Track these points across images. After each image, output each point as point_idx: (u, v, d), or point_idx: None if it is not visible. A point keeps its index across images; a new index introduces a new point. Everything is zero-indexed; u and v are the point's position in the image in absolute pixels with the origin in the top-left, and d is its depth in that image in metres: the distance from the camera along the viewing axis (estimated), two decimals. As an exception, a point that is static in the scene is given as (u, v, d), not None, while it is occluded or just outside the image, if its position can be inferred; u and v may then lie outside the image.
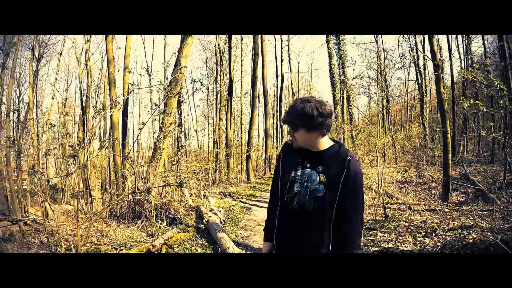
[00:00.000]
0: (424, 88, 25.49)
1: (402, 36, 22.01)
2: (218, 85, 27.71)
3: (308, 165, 2.31)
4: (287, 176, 2.36)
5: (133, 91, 8.50)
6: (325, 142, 2.30)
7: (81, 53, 25.04)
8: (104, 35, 15.15)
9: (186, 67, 10.07)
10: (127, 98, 14.49)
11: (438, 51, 23.61)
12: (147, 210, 7.97)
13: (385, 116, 27.91)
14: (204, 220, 8.39)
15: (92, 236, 6.99)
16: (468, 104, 6.88)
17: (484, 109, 8.09)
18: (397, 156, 21.60)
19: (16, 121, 19.98)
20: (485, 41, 20.94)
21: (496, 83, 4.46)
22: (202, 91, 32.76)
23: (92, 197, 12.68)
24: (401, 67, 26.25)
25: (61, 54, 26.05)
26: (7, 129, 16.23)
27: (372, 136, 16.45)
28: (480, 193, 10.67)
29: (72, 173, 6.33)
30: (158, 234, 7.38)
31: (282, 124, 2.82)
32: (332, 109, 2.33)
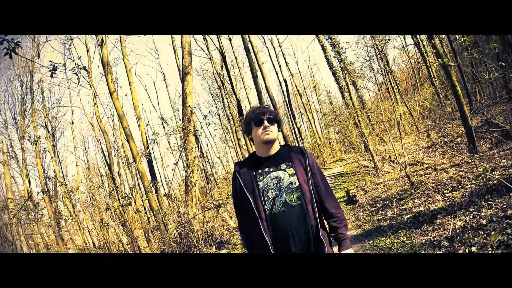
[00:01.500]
0: (423, 48, 25.53)
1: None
2: (227, 108, 28.35)
3: (271, 169, 2.45)
4: (255, 191, 2.41)
5: (155, 140, 9.10)
6: (277, 145, 2.54)
7: (92, 117, 25.98)
8: (110, 95, 15.79)
9: (194, 107, 10.67)
10: (148, 146, 15.15)
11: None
12: (195, 241, 8.50)
13: (394, 88, 28.06)
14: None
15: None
16: (438, 64, 7.19)
17: (452, 64, 8.35)
18: (416, 123, 21.68)
19: (48, 196, 20.84)
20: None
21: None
22: (215, 123, 33.35)
23: (140, 248, 13.23)
24: (387, 40, 26.39)
25: (72, 123, 27.06)
26: (47, 207, 16.96)
27: (380, 114, 16.64)
28: (506, 133, 10.77)
29: (126, 220, 6.90)
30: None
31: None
32: (254, 108, 2.62)
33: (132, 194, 7.13)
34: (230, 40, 25.75)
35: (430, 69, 24.89)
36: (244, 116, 2.67)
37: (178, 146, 9.36)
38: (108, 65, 14.93)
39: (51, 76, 4.62)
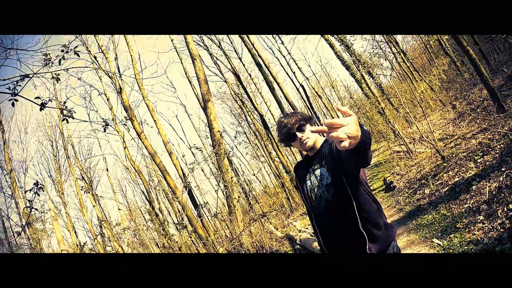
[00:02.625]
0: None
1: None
2: (252, 125, 28.74)
3: (315, 167, 2.48)
4: (306, 190, 2.53)
5: (192, 170, 9.51)
6: (319, 142, 2.53)
7: (125, 160, 26.71)
8: (138, 136, 16.31)
9: (222, 131, 11.08)
10: (185, 177, 15.61)
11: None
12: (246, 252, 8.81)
13: (410, 67, 27.90)
14: (297, 241, 9.12)
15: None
16: (434, 40, 7.30)
17: (446, 37, 8.32)
18: (440, 97, 21.49)
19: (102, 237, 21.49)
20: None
21: None
22: (244, 141, 33.75)
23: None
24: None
25: (107, 169, 27.92)
26: (100, 251, 17.53)
27: (398, 104, 16.60)
28: None
29: (181, 247, 7.26)
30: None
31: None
32: (278, 126, 2.57)
33: (182, 220, 7.51)
34: (240, 58, 26.15)
35: (440, 39, 24.68)
36: (276, 131, 2.64)
37: (212, 171, 9.76)
38: (130, 109, 15.51)
39: (104, 130, 5.06)
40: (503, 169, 5.86)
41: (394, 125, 14.21)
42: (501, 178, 5.60)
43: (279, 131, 2.54)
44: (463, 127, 13.03)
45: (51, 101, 4.58)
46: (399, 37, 29.93)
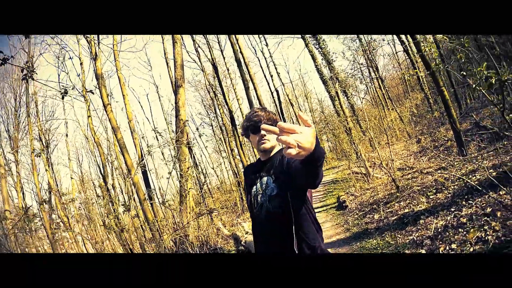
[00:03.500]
0: (412, 55, 25.90)
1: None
2: (220, 119, 28.59)
3: (263, 173, 2.43)
4: (251, 194, 2.47)
5: (150, 152, 9.33)
6: (275, 149, 2.49)
7: (86, 129, 26.03)
8: (104, 108, 15.91)
9: (187, 120, 10.93)
10: (143, 158, 15.32)
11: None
12: (190, 248, 8.71)
13: (385, 95, 28.42)
14: (242, 242, 9.10)
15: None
16: (409, 75, 7.52)
17: (423, 74, 8.60)
18: (407, 129, 21.96)
19: (49, 206, 20.86)
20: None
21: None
22: (205, 134, 33.49)
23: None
24: (376, 48, 26.80)
25: (67, 135, 27.15)
26: (45, 219, 17.03)
27: (370, 120, 16.90)
28: (496, 135, 10.99)
29: (124, 228, 7.09)
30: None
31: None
32: (250, 113, 2.53)
33: (129, 203, 7.34)
34: (221, 51, 25.95)
35: (420, 75, 25.19)
36: (245, 118, 2.61)
37: (172, 157, 9.61)
38: (102, 78, 15.10)
39: (62, 98, 4.85)
40: (452, 209, 6.00)
41: (358, 147, 14.42)
42: (449, 218, 5.73)
43: (248, 118, 2.50)
44: (423, 161, 13.35)
45: (13, 57, 4.38)
46: (380, 63, 30.42)
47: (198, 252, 8.65)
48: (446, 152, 13.80)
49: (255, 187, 2.47)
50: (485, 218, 5.13)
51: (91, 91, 6.01)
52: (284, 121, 30.96)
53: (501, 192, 5.74)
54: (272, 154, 2.49)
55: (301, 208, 2.22)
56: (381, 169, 13.64)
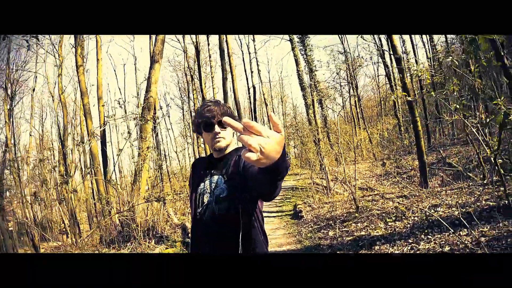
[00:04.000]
0: (393, 81, 26.20)
1: (361, 37, 22.86)
2: (192, 104, 28.09)
3: (214, 171, 2.21)
4: (197, 191, 2.24)
5: (108, 122, 8.87)
6: (230, 147, 2.25)
7: (54, 87, 25.03)
8: (75, 67, 15.30)
9: (154, 97, 10.48)
10: (104, 128, 14.76)
11: (402, 44, 24.58)
12: (134, 231, 8.31)
13: (358, 114, 28.64)
14: (189, 235, 8.76)
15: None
16: (396, 96, 7.43)
17: (410, 98, 8.58)
18: (374, 151, 22.13)
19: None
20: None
21: (420, 74, 4.91)
22: (167, 113, 32.92)
23: (81, 231, 12.85)
24: (359, 66, 26.97)
25: (34, 90, 26.03)
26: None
27: (342, 136, 16.90)
28: (458, 174, 11.14)
29: (64, 199, 6.65)
30: (147, 252, 7.73)
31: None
32: (202, 108, 2.23)
33: (71, 174, 6.86)
34: (207, 37, 25.54)
35: (396, 101, 25.53)
36: (196, 113, 2.32)
37: (127, 132, 9.14)
38: (79, 38, 14.49)
39: (28, 48, 4.44)
40: (410, 240, 5.83)
41: (323, 159, 14.27)
42: (405, 249, 5.55)
43: (200, 114, 2.21)
44: (385, 185, 13.35)
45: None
46: (361, 82, 30.67)
47: (142, 236, 8.26)
48: (408, 180, 13.90)
49: (202, 184, 2.23)
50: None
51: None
52: (256, 120, 30.86)
53: (461, 233, 5.60)
54: (227, 151, 2.25)
55: (250, 216, 2.05)
56: (342, 185, 13.57)
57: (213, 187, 2.15)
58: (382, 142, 23.43)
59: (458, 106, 4.40)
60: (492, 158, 4.17)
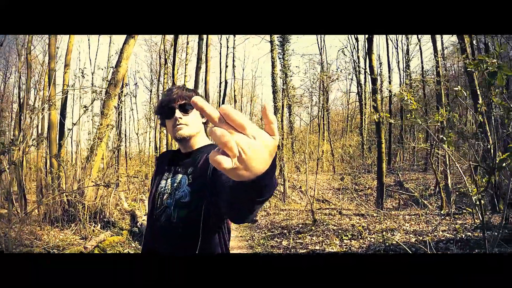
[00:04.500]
0: (364, 100, 26.52)
1: (342, 52, 23.04)
2: (161, 88, 27.52)
3: (179, 169, 1.86)
4: (157, 189, 1.91)
5: (67, 92, 8.37)
6: (200, 141, 1.91)
7: (22, 45, 23.89)
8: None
9: (123, 73, 10.01)
10: (66, 98, 14.12)
11: (378, 65, 24.94)
12: (80, 213, 7.85)
13: (325, 126, 28.79)
14: (138, 224, 8.38)
15: (26, 239, 6.81)
16: (377, 117, 7.37)
17: (392, 121, 8.59)
18: (335, 164, 22.26)
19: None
20: (423, 58, 22.22)
21: (406, 98, 4.79)
22: (130, 93, 32.20)
23: (27, 200, 12.25)
24: (335, 79, 27.17)
25: (1, 45, 24.80)
26: None
27: (306, 145, 16.92)
28: (413, 199, 11.30)
29: (4, 170, 6.18)
30: (91, 237, 7.30)
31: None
32: (176, 89, 1.88)
33: (17, 143, 6.38)
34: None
35: (363, 120, 25.84)
36: (160, 98, 1.99)
37: (84, 106, 8.68)
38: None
39: None
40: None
41: (284, 164, 14.14)
42: (358, 270, 5.40)
43: (162, 99, 1.88)
44: (341, 200, 13.36)
45: None
46: (331, 97, 30.94)
47: (87, 219, 7.81)
48: (364, 198, 14.02)
49: (164, 182, 1.87)
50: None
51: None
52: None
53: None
54: (197, 146, 1.89)
55: (213, 232, 1.72)
56: (298, 193, 13.50)
57: (174, 187, 1.80)
58: (344, 157, 23.61)
59: (445, 138, 4.25)
60: (475, 198, 4.00)
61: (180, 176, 1.80)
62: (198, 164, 1.75)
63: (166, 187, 1.83)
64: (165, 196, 1.80)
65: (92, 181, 8.17)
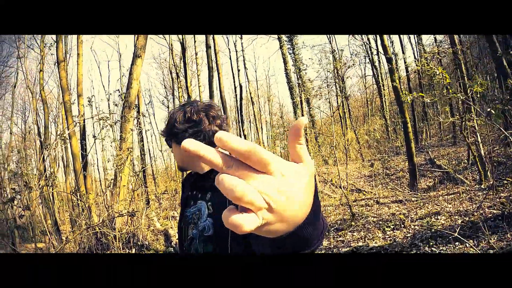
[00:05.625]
0: (381, 81, 26.03)
1: (352, 36, 22.63)
2: (178, 102, 27.54)
3: (199, 195, 1.61)
4: (184, 216, 1.68)
5: (78, 123, 8.30)
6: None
7: (33, 83, 24.26)
8: (56, 63, 14.72)
9: (135, 94, 9.91)
10: (84, 127, 14.15)
11: (390, 44, 24.39)
12: (111, 242, 7.72)
13: (346, 114, 28.35)
14: (172, 243, 8.23)
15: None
16: (412, 97, 7.01)
17: (428, 100, 8.24)
18: (362, 151, 21.88)
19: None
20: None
21: (438, 72, 4.47)
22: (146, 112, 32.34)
23: (61, 232, 12.31)
24: (351, 65, 26.69)
25: (15, 86, 25.25)
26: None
27: (330, 137, 16.59)
28: (447, 175, 10.92)
29: (22, 215, 6.11)
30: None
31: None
32: (206, 114, 1.57)
33: (30, 184, 6.30)
34: (194, 35, 25.10)
35: (384, 102, 25.35)
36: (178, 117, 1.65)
37: (92, 135, 8.62)
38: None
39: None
40: (413, 253, 5.37)
41: (313, 159, 13.88)
42: (408, 263, 5.09)
43: (168, 121, 1.64)
44: (374, 187, 12.99)
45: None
46: (348, 83, 30.48)
47: (121, 246, 7.68)
48: (396, 181, 13.63)
49: (188, 210, 1.63)
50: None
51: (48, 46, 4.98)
52: (242, 119, 30.52)
53: (467, 244, 5.18)
54: (206, 169, 1.64)
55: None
56: (330, 187, 13.21)
57: (197, 217, 1.56)
58: (370, 143, 23.15)
59: (493, 112, 3.92)
60: None
61: (200, 203, 1.57)
62: (215, 187, 1.40)
63: (191, 217, 1.60)
64: (190, 226, 1.59)
65: (116, 212, 8.02)
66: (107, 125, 7.55)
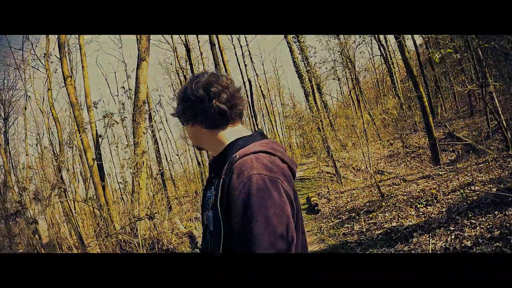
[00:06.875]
0: (390, 60, 25.62)
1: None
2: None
3: (213, 179, 1.46)
4: (203, 200, 1.52)
5: (85, 130, 8.16)
6: (227, 139, 1.44)
7: (42, 103, 24.35)
8: (63, 79, 14.64)
9: (143, 98, 9.69)
10: (97, 139, 14.04)
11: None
12: (136, 249, 7.53)
13: (358, 96, 27.98)
14: (198, 244, 8.04)
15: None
16: (439, 55, 6.67)
17: (456, 56, 7.92)
18: (379, 132, 21.56)
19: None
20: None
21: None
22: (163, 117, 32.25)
23: (87, 246, 12.26)
24: (361, 42, 26.24)
25: (25, 108, 25.37)
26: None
27: (349, 118, 16.27)
28: (469, 147, 10.62)
29: (37, 232, 6.00)
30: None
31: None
32: (230, 83, 1.43)
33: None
34: (197, 36, 24.95)
35: (395, 80, 24.95)
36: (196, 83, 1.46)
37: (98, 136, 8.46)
38: (65, 47, 13.75)
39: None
40: (451, 228, 5.07)
41: (330, 146, 13.56)
42: (448, 238, 4.80)
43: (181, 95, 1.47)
44: (396, 166, 12.68)
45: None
46: (357, 65, 30.10)
47: (146, 252, 7.51)
48: (417, 159, 13.32)
49: (206, 194, 1.49)
50: (496, 243, 4.23)
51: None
52: (254, 114, 30.23)
53: (507, 212, 4.88)
54: (219, 148, 1.46)
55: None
56: (351, 171, 12.95)
57: (209, 203, 1.42)
58: (386, 123, 22.76)
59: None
60: None
61: (209, 191, 1.46)
62: (220, 176, 1.31)
63: (206, 201, 1.48)
64: (205, 213, 1.47)
65: (133, 216, 7.85)
66: (113, 122, 7.37)
